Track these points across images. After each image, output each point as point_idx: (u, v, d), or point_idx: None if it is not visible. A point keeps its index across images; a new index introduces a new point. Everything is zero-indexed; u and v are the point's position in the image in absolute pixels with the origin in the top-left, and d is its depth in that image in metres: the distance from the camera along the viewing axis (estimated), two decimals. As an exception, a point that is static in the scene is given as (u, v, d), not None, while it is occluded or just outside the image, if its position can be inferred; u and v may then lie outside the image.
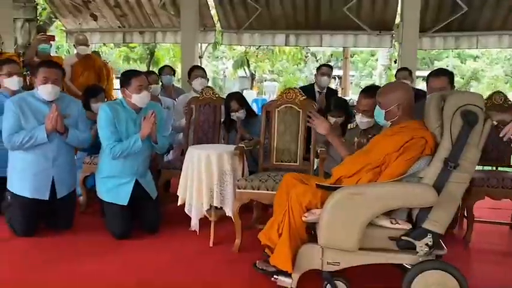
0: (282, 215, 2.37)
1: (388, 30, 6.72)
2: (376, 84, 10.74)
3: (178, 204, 3.11)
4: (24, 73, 5.64)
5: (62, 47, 16.81)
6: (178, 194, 3.10)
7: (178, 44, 8.59)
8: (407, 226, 2.21)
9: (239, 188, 2.88)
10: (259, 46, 16.28)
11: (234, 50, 19.12)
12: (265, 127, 3.38)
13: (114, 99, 4.48)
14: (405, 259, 2.23)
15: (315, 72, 5.01)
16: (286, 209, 2.34)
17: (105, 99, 4.05)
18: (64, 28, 8.07)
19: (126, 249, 2.96)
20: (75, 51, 5.31)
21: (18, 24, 7.84)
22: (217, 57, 22.52)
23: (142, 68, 16.98)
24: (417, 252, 2.17)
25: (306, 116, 3.29)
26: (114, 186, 3.13)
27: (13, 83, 3.51)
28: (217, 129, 3.94)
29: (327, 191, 2.26)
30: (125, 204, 3.10)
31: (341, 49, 15.87)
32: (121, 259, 2.81)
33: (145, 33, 7.63)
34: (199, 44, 7.13)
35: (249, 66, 19.89)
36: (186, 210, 3.03)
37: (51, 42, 4.96)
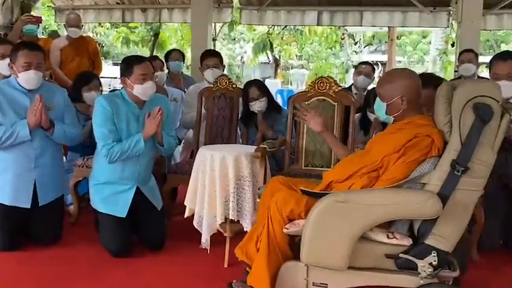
0: (262, 226, 2.41)
1: (444, 6, 6.63)
2: (429, 71, 10.57)
3: (186, 216, 3.13)
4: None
5: (50, 27, 17.09)
6: (186, 203, 3.12)
7: (187, 24, 8.64)
8: (407, 242, 2.22)
9: (260, 198, 2.88)
10: (285, 26, 16.29)
11: (254, 30, 19.16)
12: (292, 124, 3.39)
13: (112, 91, 4.54)
14: (405, 281, 2.22)
15: (351, 53, 4.99)
16: (265, 220, 2.39)
17: (100, 89, 4.10)
18: (52, 5, 8.23)
19: (124, 269, 2.99)
20: (65, 33, 5.43)
21: (-2, 0, 7.99)
22: (234, 39, 22.59)
23: (145, 52, 17.17)
24: (419, 273, 2.17)
25: (342, 110, 3.27)
26: (111, 195, 3.17)
27: (5, 66, 3.57)
28: (234, 126, 3.96)
29: (314, 198, 2.29)
30: (123, 216, 3.14)
31: (386, 29, 15.71)
32: (118, 281, 2.84)
33: (149, 11, 7.70)
34: (213, 24, 7.16)
35: (272, 50, 19.91)
36: (195, 224, 3.05)
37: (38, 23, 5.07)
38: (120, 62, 3.36)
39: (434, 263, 2.15)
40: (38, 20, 5.12)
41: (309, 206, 2.27)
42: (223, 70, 4.58)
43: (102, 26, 18.89)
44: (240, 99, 3.94)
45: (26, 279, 2.84)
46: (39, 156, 3.19)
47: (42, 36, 6.15)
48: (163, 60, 5.02)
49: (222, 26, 14.53)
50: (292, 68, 23.69)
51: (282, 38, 19.27)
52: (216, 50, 6.00)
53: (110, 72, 13.67)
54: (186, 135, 4.68)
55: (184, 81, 5.30)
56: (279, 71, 20.94)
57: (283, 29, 18.48)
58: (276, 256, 2.33)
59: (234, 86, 4.01)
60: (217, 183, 2.93)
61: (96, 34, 19.81)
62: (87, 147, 3.65)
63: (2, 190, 3.16)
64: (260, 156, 2.96)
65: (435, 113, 2.31)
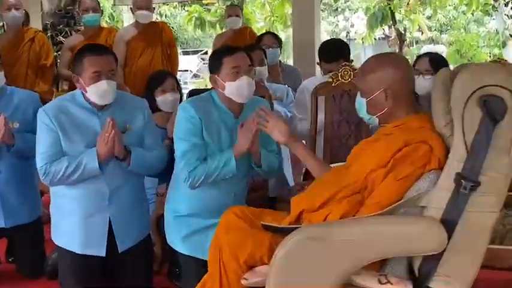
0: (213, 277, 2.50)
1: None
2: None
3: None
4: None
5: (105, 10, 17.84)
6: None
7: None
8: (405, 286, 2.20)
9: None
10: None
11: (366, -4, 18.91)
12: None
13: (193, 92, 4.52)
14: None
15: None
16: (217, 267, 2.47)
17: (178, 89, 4.11)
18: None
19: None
20: (131, 21, 5.59)
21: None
22: (336, 9, 22.48)
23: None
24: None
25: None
26: (196, 231, 3.15)
27: None
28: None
29: (280, 236, 2.30)
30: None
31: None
32: None
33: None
34: (319, -8, 7.03)
35: (394, 21, 19.29)
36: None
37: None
38: (209, 58, 3.36)
39: None
40: None
41: (274, 247, 2.28)
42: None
43: (167, 5, 19.49)
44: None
45: None
46: (114, 192, 3.22)
47: (107, 26, 6.42)
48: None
49: (324, -7, 14.47)
50: (416, 43, 23.04)
51: (407, 4, 18.63)
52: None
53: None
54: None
55: (286, 73, 5.25)
56: (404, 49, 20.29)
57: (409, -7, 18.00)
58: None
59: (360, 78, 3.89)
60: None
61: (161, 15, 20.47)
62: (169, 169, 3.66)
63: (71, 235, 3.23)
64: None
65: (432, 111, 2.33)
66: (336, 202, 2.35)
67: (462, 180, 2.13)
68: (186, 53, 23.82)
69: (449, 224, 2.14)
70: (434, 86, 2.33)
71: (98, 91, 3.13)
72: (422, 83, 3.79)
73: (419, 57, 4.10)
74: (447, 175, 2.19)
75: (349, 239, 2.19)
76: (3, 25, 6.35)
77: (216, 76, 3.10)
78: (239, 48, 3.26)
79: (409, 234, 2.17)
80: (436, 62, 3.87)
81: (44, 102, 3.61)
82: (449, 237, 2.13)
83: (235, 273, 2.42)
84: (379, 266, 2.28)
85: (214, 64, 3.13)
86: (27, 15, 6.13)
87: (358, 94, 2.54)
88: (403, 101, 2.41)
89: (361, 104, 2.51)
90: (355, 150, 2.56)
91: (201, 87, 6.98)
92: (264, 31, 10.26)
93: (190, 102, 3.16)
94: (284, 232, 2.29)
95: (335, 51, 4.24)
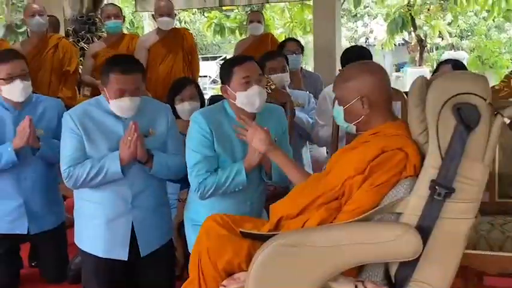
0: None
1: None
2: None
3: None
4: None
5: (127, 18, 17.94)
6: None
7: (296, 2, 8.59)
8: None
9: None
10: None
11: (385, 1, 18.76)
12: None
13: (211, 101, 4.53)
14: None
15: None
16: (196, 274, 2.48)
17: (198, 97, 4.11)
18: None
19: None
20: (151, 28, 5.64)
21: (66, -13, 8.47)
22: (356, 15, 22.41)
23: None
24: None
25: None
26: None
27: (15, 91, 3.56)
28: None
29: (258, 242, 2.31)
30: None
31: None
32: None
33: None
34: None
35: (415, 27, 19.20)
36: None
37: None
38: (220, 67, 3.34)
39: None
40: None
41: (252, 254, 2.28)
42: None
43: (187, 11, 19.54)
44: (397, 104, 3.75)
45: None
46: (136, 196, 3.24)
47: (129, 33, 6.46)
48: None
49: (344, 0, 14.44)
50: (436, 49, 22.88)
51: (428, 9, 18.53)
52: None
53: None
54: (308, 153, 4.61)
55: (306, 80, 5.24)
56: (425, 54, 20.16)
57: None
58: None
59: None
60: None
61: (181, 21, 20.52)
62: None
63: (95, 239, 3.25)
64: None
65: (408, 119, 2.33)
66: (314, 209, 2.35)
67: (437, 187, 2.14)
68: (205, 58, 23.86)
69: (424, 230, 2.15)
70: (410, 93, 2.32)
71: (120, 105, 3.15)
72: None
73: (440, 63, 4.12)
74: (422, 182, 2.20)
75: (325, 245, 2.19)
76: (26, 31, 6.41)
77: (227, 86, 3.07)
78: (249, 57, 3.22)
79: (385, 241, 2.16)
80: (458, 68, 3.87)
81: (68, 107, 3.61)
82: (424, 244, 2.14)
83: (214, 280, 2.43)
84: (357, 272, 2.28)
85: (225, 74, 3.10)
86: (57, 21, 6.19)
87: (336, 102, 2.54)
88: (379, 109, 2.41)
89: (338, 112, 2.52)
90: (333, 157, 2.56)
91: (220, 93, 6.99)
92: (283, 37, 10.25)
93: (202, 114, 3.13)
94: (263, 239, 2.30)
95: (357, 58, 4.19)
